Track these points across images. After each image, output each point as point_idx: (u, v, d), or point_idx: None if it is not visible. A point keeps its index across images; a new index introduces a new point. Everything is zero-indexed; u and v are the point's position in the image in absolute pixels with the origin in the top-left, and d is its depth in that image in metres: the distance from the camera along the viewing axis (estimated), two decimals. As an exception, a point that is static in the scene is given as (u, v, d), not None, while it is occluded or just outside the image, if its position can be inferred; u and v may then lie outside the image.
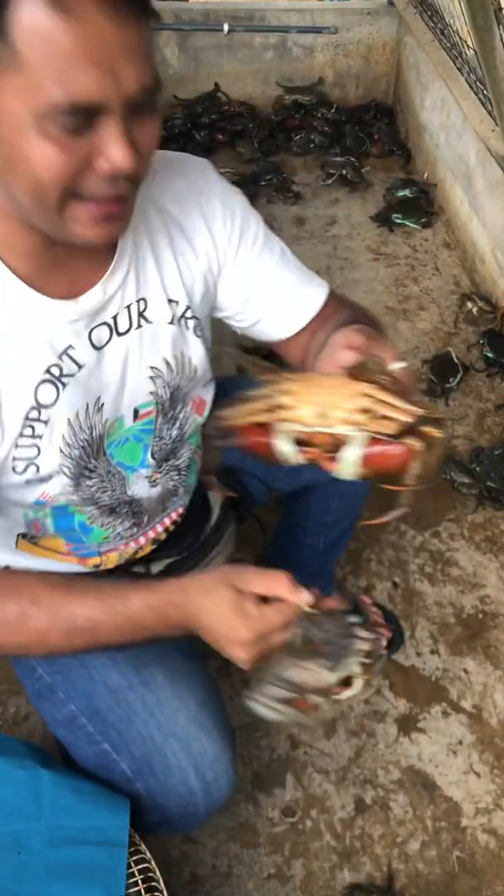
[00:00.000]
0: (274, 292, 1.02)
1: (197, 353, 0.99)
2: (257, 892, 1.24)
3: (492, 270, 2.41)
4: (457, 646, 1.57)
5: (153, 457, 1.01)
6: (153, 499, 1.05)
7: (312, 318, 1.03)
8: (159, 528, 1.11)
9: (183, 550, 1.16)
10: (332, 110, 3.35)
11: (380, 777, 1.37)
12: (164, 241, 0.93)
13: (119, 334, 0.90)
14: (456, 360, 2.19)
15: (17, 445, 0.87)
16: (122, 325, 0.90)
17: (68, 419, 0.88)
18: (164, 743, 0.96)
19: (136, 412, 0.96)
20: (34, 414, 0.86)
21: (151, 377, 0.95)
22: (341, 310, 1.02)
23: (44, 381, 0.85)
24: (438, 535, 1.79)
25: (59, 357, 0.85)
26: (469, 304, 2.37)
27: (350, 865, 1.27)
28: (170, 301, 0.94)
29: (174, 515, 1.12)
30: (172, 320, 0.94)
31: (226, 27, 3.28)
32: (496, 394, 2.16)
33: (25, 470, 0.88)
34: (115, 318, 0.89)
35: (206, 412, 1.06)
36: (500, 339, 2.24)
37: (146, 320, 0.92)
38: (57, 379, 0.86)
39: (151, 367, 0.95)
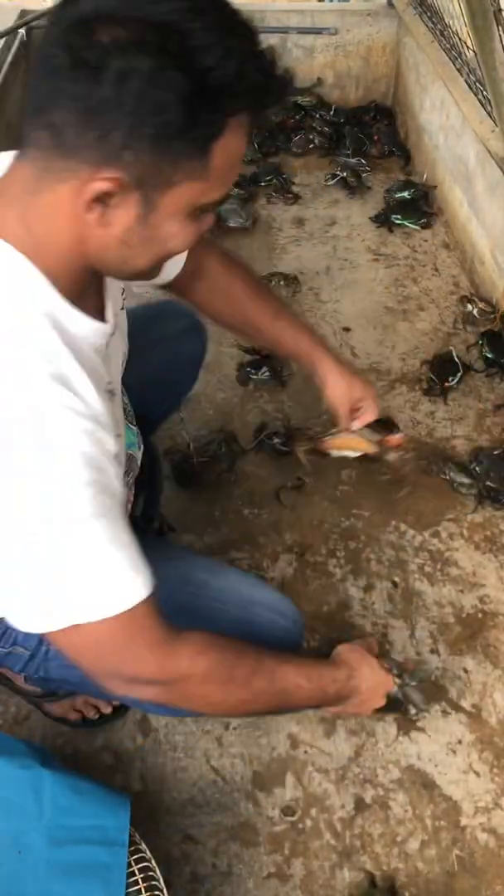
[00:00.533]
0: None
1: (124, 318, 1.12)
2: (257, 891, 1.24)
3: (491, 271, 2.42)
4: (456, 645, 1.57)
5: (132, 424, 1.18)
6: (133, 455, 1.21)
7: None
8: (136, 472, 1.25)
9: None
10: (332, 112, 3.36)
11: (379, 776, 1.38)
12: None
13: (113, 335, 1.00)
14: (457, 359, 2.19)
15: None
16: (112, 327, 0.98)
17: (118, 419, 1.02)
18: (251, 606, 1.16)
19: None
20: (119, 430, 0.99)
21: (121, 361, 1.09)
22: (232, 271, 1.31)
23: (106, 392, 0.93)
24: (438, 534, 1.79)
25: (106, 372, 0.94)
26: (469, 306, 2.37)
27: (350, 864, 1.27)
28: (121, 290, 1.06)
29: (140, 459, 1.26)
30: (123, 307, 1.08)
31: (226, 28, 3.28)
32: (496, 394, 2.16)
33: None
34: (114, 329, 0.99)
35: None
36: (498, 339, 2.24)
37: (123, 308, 1.07)
38: (110, 392, 0.95)
39: (123, 353, 1.10)
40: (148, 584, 0.88)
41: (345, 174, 3.04)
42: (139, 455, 1.21)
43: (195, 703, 1.00)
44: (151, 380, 1.31)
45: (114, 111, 0.72)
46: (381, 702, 1.23)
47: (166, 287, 1.30)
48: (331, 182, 3.05)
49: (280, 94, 0.81)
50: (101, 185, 0.76)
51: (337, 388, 1.36)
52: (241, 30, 0.81)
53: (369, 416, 1.41)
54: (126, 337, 1.12)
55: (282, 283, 2.51)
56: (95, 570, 0.84)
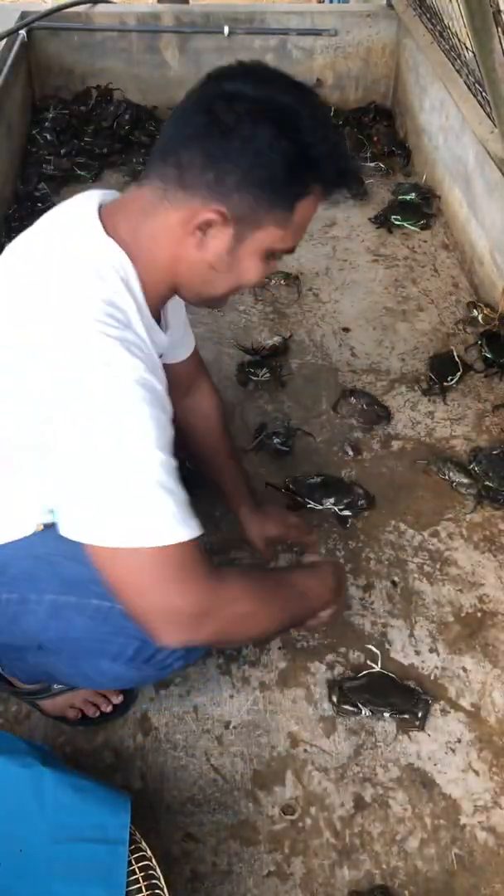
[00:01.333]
0: (183, 325, 1.40)
1: None
2: (257, 890, 1.24)
3: (490, 272, 2.42)
4: (455, 644, 1.58)
5: None
6: None
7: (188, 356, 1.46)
8: None
9: None
10: (330, 114, 3.36)
11: (379, 775, 1.38)
12: None
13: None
14: (457, 359, 2.20)
15: None
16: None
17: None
18: None
19: None
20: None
21: None
22: (219, 419, 1.56)
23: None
24: (437, 534, 1.79)
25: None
26: (475, 311, 2.37)
27: (350, 863, 1.27)
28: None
29: None
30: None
31: (226, 29, 3.29)
32: (495, 394, 2.17)
33: None
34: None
35: None
36: (497, 339, 2.25)
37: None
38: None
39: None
40: (198, 526, 0.99)
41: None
42: None
43: (245, 624, 1.10)
44: None
45: (234, 161, 0.97)
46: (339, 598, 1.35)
47: None
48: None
49: (352, 179, 1.12)
50: (209, 215, 0.99)
51: (253, 527, 1.57)
52: (332, 122, 1.07)
53: (305, 539, 1.65)
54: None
55: (282, 281, 2.52)
56: (156, 496, 0.94)
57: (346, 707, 1.44)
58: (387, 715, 1.44)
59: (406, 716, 1.44)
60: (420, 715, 1.44)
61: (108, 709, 1.42)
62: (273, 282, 2.51)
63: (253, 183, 0.98)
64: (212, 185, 0.98)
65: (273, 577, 1.33)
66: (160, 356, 1.11)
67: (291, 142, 0.97)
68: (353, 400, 2.09)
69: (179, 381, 1.41)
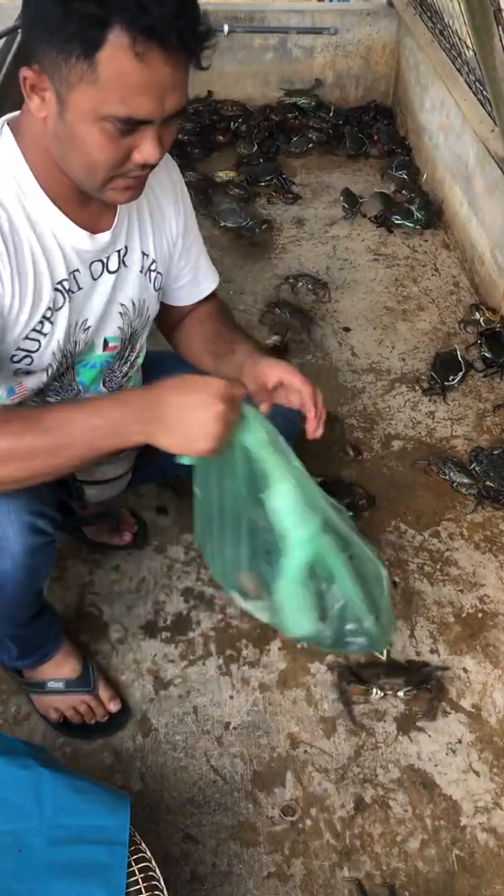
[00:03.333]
0: (194, 273, 1.35)
1: (152, 302, 1.29)
2: (257, 891, 1.24)
3: (491, 271, 2.42)
4: (456, 645, 1.57)
5: (104, 385, 1.29)
6: None
7: (197, 301, 1.39)
8: None
9: None
10: (330, 113, 3.36)
11: (379, 776, 1.38)
12: (147, 210, 1.22)
13: (108, 272, 1.18)
14: (460, 358, 2.20)
15: (26, 337, 1.10)
16: (112, 265, 1.18)
17: (65, 328, 1.13)
18: None
19: (105, 343, 1.24)
20: (48, 313, 1.10)
21: (121, 313, 1.23)
22: (217, 315, 1.39)
23: (57, 289, 1.10)
24: (438, 534, 1.79)
25: (69, 274, 1.11)
26: (477, 314, 2.37)
27: (350, 864, 1.27)
28: (143, 254, 1.22)
29: None
30: (142, 269, 1.23)
31: (226, 28, 3.28)
32: (495, 394, 2.17)
33: (21, 361, 1.12)
34: (108, 258, 1.17)
35: (143, 355, 1.36)
36: (497, 339, 2.25)
37: (124, 265, 1.20)
38: (66, 291, 1.12)
39: (121, 304, 1.22)
40: None
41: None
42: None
43: None
44: None
45: (29, 22, 0.94)
46: (210, 433, 0.99)
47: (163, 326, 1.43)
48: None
49: (163, 22, 0.88)
50: (25, 73, 0.96)
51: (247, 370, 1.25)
52: None
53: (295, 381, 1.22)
54: (149, 295, 1.26)
55: (309, 286, 2.51)
56: None
57: (358, 687, 1.44)
58: (401, 694, 1.44)
59: (419, 692, 1.44)
60: (433, 688, 1.45)
61: (105, 718, 1.41)
62: (301, 285, 2.50)
63: (37, 34, 0.92)
64: (29, 47, 0.95)
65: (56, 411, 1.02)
66: (109, 268, 1.16)
67: None
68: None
69: (178, 319, 1.40)
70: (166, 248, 1.27)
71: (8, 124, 1.06)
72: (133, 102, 0.91)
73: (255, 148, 3.21)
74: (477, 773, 1.39)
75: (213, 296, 1.42)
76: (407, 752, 1.41)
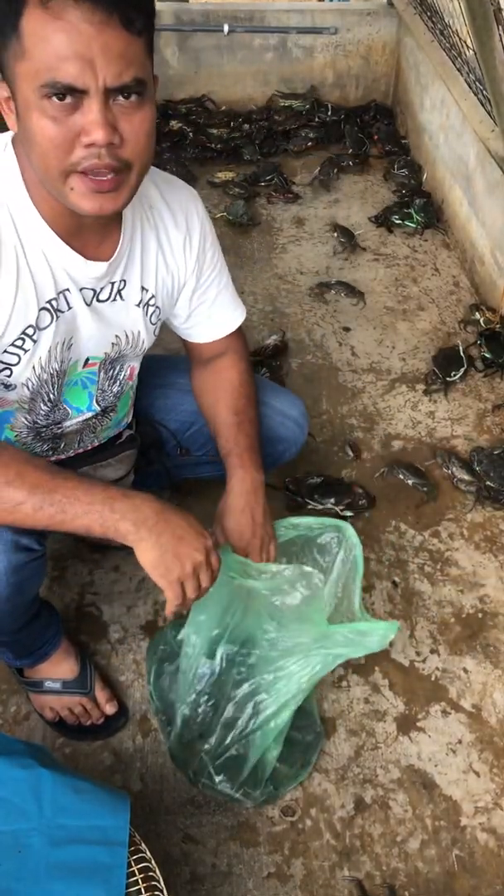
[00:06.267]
0: (210, 313, 1.33)
1: (148, 335, 1.27)
2: (257, 891, 1.24)
3: (491, 271, 2.42)
4: (456, 645, 1.57)
5: (98, 404, 1.29)
6: (76, 435, 1.31)
7: (222, 337, 1.37)
8: (70, 453, 1.35)
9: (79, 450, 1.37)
10: (328, 113, 3.36)
11: (379, 776, 1.38)
12: (154, 244, 1.20)
13: (99, 301, 1.16)
14: (462, 354, 2.20)
15: (5, 351, 1.08)
16: (103, 295, 1.16)
17: (49, 346, 1.12)
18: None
19: (86, 360, 1.21)
20: (30, 331, 1.09)
21: (113, 343, 1.22)
22: (238, 360, 1.39)
23: (44, 308, 1.09)
24: (438, 534, 1.79)
25: (58, 294, 1.10)
26: (477, 314, 2.37)
27: (350, 864, 1.27)
28: (143, 288, 1.20)
29: (88, 447, 1.37)
30: (139, 303, 1.21)
31: (226, 28, 3.28)
32: (495, 394, 2.16)
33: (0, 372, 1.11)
34: (101, 288, 1.15)
35: (135, 378, 1.37)
36: (496, 339, 2.25)
37: (121, 297, 1.19)
38: (54, 310, 1.10)
39: (115, 336, 1.21)
40: None
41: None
42: (76, 421, 1.28)
43: None
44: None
45: None
46: (188, 572, 1.07)
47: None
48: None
49: None
50: None
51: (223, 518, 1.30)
52: None
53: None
54: (144, 328, 1.24)
55: (343, 294, 2.51)
56: None
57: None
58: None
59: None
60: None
61: (101, 721, 1.41)
62: (334, 291, 2.51)
63: None
64: None
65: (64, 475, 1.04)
66: (126, 300, 1.18)
67: None
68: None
69: (199, 356, 1.40)
70: (171, 285, 1.25)
71: (12, 140, 1.05)
72: (58, 66, 0.87)
73: (256, 148, 3.21)
74: (477, 774, 1.38)
75: (237, 340, 1.38)
76: (407, 753, 1.41)
